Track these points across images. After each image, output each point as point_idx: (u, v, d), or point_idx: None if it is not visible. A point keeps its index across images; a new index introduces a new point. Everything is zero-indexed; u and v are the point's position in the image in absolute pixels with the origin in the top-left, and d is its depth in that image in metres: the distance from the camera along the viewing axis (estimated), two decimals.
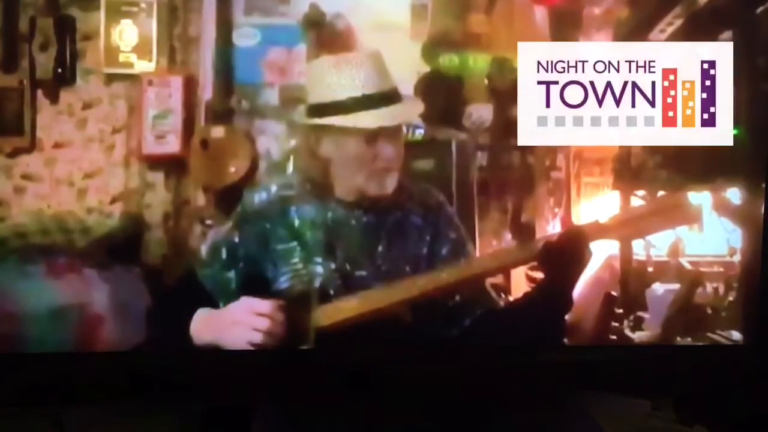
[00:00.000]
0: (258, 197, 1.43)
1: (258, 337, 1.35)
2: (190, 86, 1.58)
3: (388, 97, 1.37)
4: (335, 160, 1.38)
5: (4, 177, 1.54)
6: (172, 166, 1.59)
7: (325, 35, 1.55)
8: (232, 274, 1.42)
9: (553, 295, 1.38)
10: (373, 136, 1.36)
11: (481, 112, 1.58)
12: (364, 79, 1.35)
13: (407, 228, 1.42)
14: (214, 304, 1.41)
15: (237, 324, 1.35)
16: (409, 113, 1.44)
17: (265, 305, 1.37)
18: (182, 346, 1.40)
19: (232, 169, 1.57)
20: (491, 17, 1.58)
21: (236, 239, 1.42)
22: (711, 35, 1.54)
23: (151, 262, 1.56)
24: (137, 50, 1.56)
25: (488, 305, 1.43)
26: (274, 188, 1.44)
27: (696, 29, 1.54)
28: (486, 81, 1.57)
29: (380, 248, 1.41)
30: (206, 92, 1.58)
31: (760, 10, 1.53)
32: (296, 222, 1.41)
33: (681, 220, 1.42)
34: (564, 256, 1.36)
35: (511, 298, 1.54)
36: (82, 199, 1.55)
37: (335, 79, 1.35)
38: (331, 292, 1.39)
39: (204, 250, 1.48)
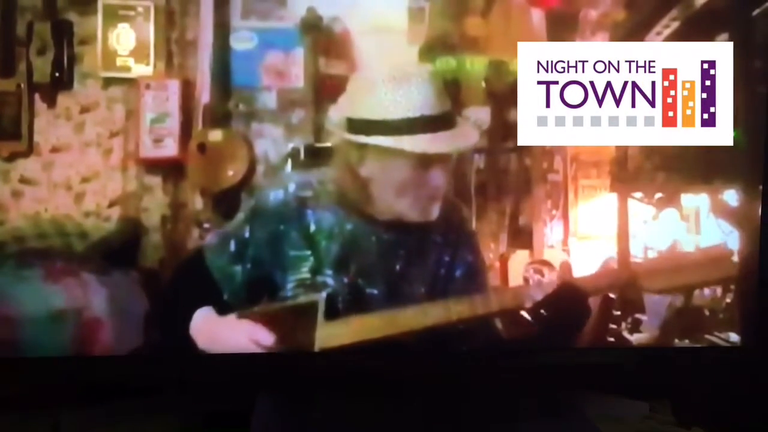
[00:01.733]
0: (274, 195, 1.36)
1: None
2: (188, 90, 1.58)
3: (445, 121, 1.28)
4: (378, 181, 1.29)
5: (2, 181, 1.54)
6: (170, 170, 1.59)
7: (323, 39, 1.55)
8: (239, 268, 1.37)
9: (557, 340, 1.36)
10: (426, 162, 1.27)
11: (478, 114, 1.58)
12: (423, 99, 1.26)
13: (428, 246, 1.35)
14: (218, 294, 1.37)
15: (236, 350, 1.31)
16: (466, 139, 1.34)
17: (268, 338, 1.32)
18: (180, 350, 1.40)
19: (230, 173, 1.57)
20: (488, 20, 1.58)
21: (246, 235, 1.37)
22: (707, 37, 1.54)
23: (149, 266, 1.56)
24: (134, 54, 1.56)
25: (491, 338, 1.39)
26: (292, 187, 1.36)
27: (692, 32, 1.54)
28: (483, 84, 1.57)
29: (398, 267, 1.34)
30: (204, 96, 1.58)
31: (756, 12, 1.53)
32: (312, 228, 1.34)
33: (719, 276, 1.41)
34: (560, 312, 1.32)
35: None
36: (79, 203, 1.55)
37: (390, 95, 1.26)
38: (339, 308, 1.32)
39: (215, 237, 1.42)
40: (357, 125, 1.29)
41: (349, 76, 1.41)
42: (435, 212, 1.31)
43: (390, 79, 1.27)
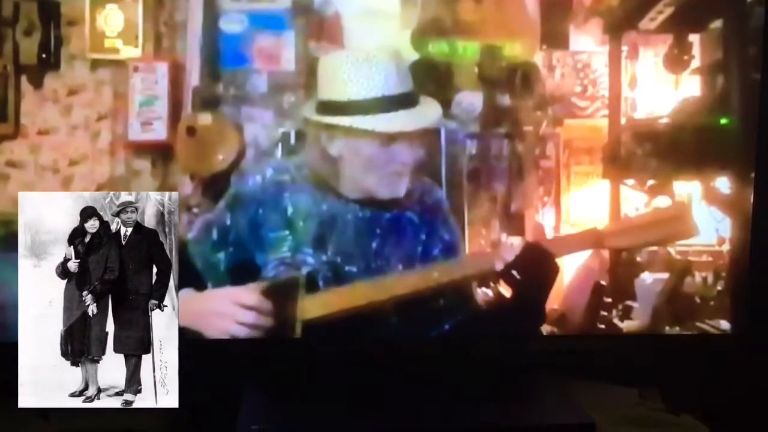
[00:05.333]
0: (252, 180, 1.42)
1: (242, 331, 1.34)
2: (177, 72, 1.56)
3: (407, 100, 1.35)
4: (346, 160, 1.36)
5: None
6: (159, 154, 1.57)
7: (314, 22, 1.53)
8: (221, 255, 1.40)
9: (525, 308, 1.40)
10: (389, 140, 1.34)
11: (470, 99, 1.57)
12: (384, 80, 1.32)
13: (403, 225, 1.41)
14: (202, 283, 1.39)
15: (220, 315, 1.34)
16: (428, 116, 1.41)
17: (251, 297, 1.35)
18: None
19: (220, 157, 1.55)
20: (481, 4, 1.57)
21: (227, 221, 1.41)
22: (701, 24, 1.54)
23: None
24: (123, 36, 1.54)
25: (470, 311, 1.42)
26: (269, 172, 1.42)
27: (686, 18, 1.54)
28: (476, 69, 1.56)
29: (374, 245, 1.39)
30: (193, 78, 1.56)
31: None
32: (289, 210, 1.39)
33: (678, 233, 1.43)
34: (531, 271, 1.37)
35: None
36: (67, 187, 1.53)
37: (352, 76, 1.32)
38: (320, 284, 1.37)
39: (196, 227, 1.46)
40: (324, 106, 1.35)
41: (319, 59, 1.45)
42: (402, 189, 1.37)
43: (352, 61, 1.33)
